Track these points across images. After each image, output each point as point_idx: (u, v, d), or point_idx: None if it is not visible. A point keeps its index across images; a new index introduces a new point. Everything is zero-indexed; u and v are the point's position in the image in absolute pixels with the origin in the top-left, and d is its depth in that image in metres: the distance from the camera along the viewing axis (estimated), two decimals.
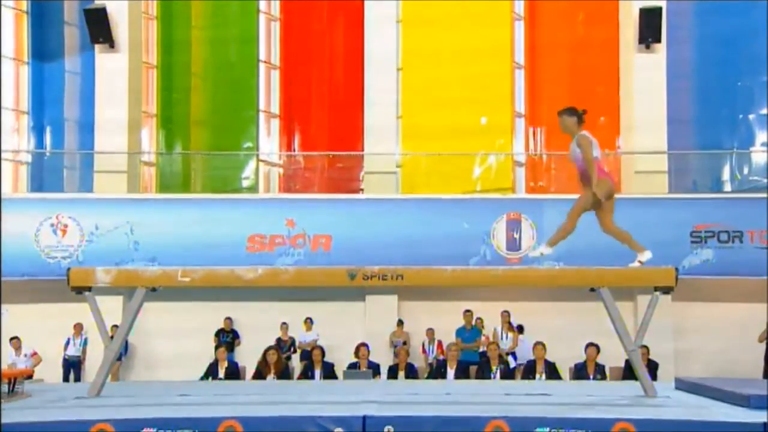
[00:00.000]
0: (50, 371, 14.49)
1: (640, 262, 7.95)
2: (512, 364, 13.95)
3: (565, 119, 7.90)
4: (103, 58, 16.69)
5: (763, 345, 14.22)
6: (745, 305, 14.95)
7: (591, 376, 12.28)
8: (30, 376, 10.79)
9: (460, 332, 14.83)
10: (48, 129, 17.36)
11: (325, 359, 13.62)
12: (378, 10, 16.75)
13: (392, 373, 13.72)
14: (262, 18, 17.59)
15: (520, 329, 15.02)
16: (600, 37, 16.85)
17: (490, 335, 14.73)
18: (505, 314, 14.84)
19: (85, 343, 14.99)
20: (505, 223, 15.49)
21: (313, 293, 14.92)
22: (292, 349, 15.12)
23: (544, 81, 17.03)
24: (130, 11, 16.75)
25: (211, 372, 13.09)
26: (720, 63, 16.54)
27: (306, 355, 14.47)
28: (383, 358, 14.67)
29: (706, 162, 16.74)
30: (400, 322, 15.40)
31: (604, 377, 12.47)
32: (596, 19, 16.95)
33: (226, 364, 13.18)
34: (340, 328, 15.44)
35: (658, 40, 16.18)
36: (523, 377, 12.77)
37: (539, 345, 12.63)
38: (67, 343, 15.11)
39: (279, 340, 15.01)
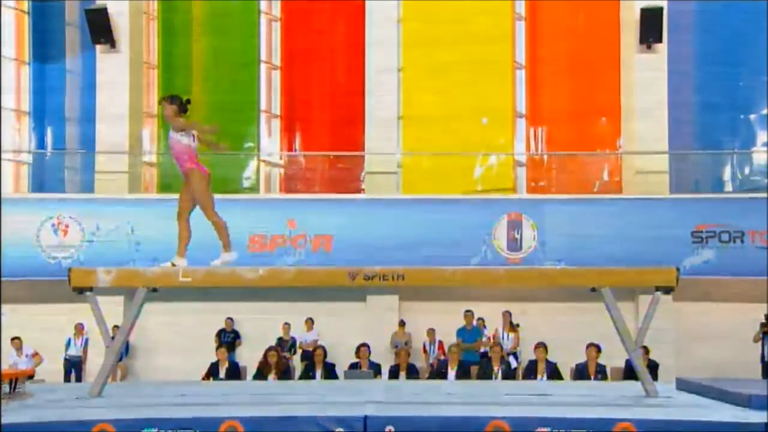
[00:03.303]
0: (51, 371, 14.49)
1: (224, 261, 7.94)
2: (513, 364, 13.95)
3: (165, 107, 7.84)
4: (103, 58, 16.68)
5: (759, 345, 14.27)
6: (746, 305, 14.94)
7: (592, 377, 12.29)
8: (31, 377, 10.79)
9: (461, 332, 14.83)
10: (49, 129, 17.37)
11: (326, 359, 13.63)
12: (379, 10, 16.73)
13: (393, 373, 13.73)
14: (263, 18, 17.58)
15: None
16: (601, 37, 16.84)
17: (491, 336, 14.72)
18: (507, 314, 14.84)
19: (86, 343, 14.98)
20: (506, 223, 15.48)
21: (314, 293, 14.91)
22: (292, 350, 15.12)
23: (545, 81, 17.02)
24: (130, 11, 16.75)
25: (212, 372, 13.12)
26: (721, 63, 16.53)
27: (307, 356, 14.47)
28: (384, 358, 14.68)
29: (707, 162, 16.75)
30: (402, 323, 15.40)
31: (605, 377, 12.47)
32: (597, 19, 16.93)
33: (227, 364, 13.20)
34: (341, 328, 15.45)
35: (659, 40, 16.17)
36: (524, 377, 12.78)
37: (540, 346, 12.64)
38: (68, 343, 15.10)
39: (280, 339, 15.02)
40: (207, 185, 8.06)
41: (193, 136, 8.03)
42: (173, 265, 7.83)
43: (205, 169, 8.19)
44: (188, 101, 8.02)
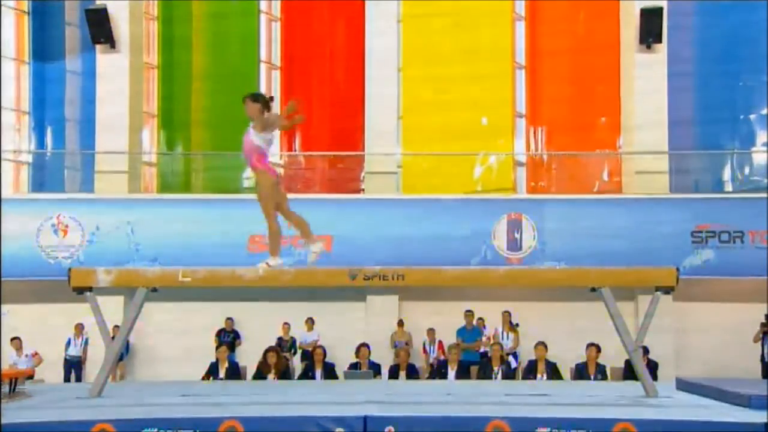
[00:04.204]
0: (51, 371, 14.50)
1: (315, 253, 7.95)
2: (513, 364, 13.96)
3: (248, 105, 7.81)
4: (103, 58, 16.68)
5: (759, 345, 14.28)
6: (745, 305, 14.95)
7: (592, 377, 12.29)
8: (31, 377, 10.82)
9: (461, 332, 14.84)
10: (49, 129, 17.35)
11: (326, 359, 13.63)
12: (379, 10, 16.73)
13: (393, 373, 13.74)
14: (262, 18, 17.58)
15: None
16: (601, 37, 16.83)
17: (491, 336, 14.72)
18: (506, 314, 14.84)
19: (86, 343, 15.00)
20: (505, 224, 15.48)
21: (314, 293, 14.92)
22: (292, 350, 15.12)
23: (545, 81, 17.01)
24: (130, 11, 16.74)
25: (212, 372, 13.11)
26: (721, 63, 16.51)
27: (307, 356, 14.47)
28: (384, 358, 14.68)
29: (707, 162, 16.74)
30: (401, 323, 15.39)
31: (604, 377, 12.47)
32: (597, 19, 16.93)
33: (226, 364, 13.19)
34: (341, 328, 15.44)
35: (659, 40, 16.16)
36: (524, 377, 12.78)
37: (540, 345, 12.65)
38: (68, 343, 15.10)
39: (280, 339, 15.02)
40: (272, 188, 7.92)
41: (270, 139, 7.87)
42: (268, 265, 7.77)
43: (275, 171, 8.05)
44: (271, 98, 7.99)
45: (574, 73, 16.84)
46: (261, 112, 7.77)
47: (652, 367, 13.09)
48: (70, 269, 7.74)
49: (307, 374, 13.41)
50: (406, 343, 15.03)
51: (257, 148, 7.80)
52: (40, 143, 17.38)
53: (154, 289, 7.80)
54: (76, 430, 5.94)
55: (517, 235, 15.43)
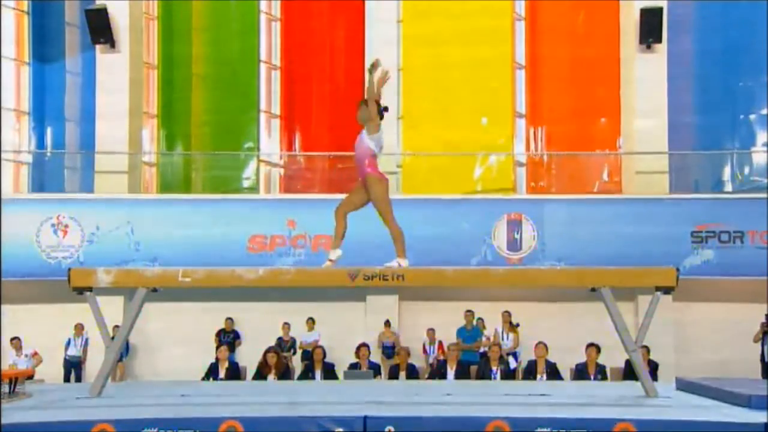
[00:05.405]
0: (51, 371, 14.49)
1: (399, 264, 7.90)
2: (513, 364, 13.95)
3: (364, 109, 7.92)
4: (103, 58, 16.69)
5: (759, 345, 14.28)
6: (745, 305, 14.95)
7: (592, 377, 12.29)
8: (31, 377, 10.80)
9: (460, 332, 14.83)
10: (49, 129, 17.37)
11: (326, 359, 13.63)
12: (379, 10, 16.75)
13: (393, 373, 13.73)
14: (262, 18, 17.59)
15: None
16: (601, 38, 16.85)
17: (491, 336, 14.71)
18: (506, 314, 14.83)
19: (86, 343, 14.99)
20: (505, 224, 15.48)
21: (314, 294, 14.92)
22: (292, 350, 15.12)
23: (545, 81, 17.03)
24: (130, 11, 16.76)
25: (212, 372, 13.10)
26: (721, 63, 16.54)
27: (307, 356, 14.47)
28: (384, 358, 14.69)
29: (707, 162, 16.74)
30: (388, 323, 15.33)
31: (604, 377, 12.47)
32: (597, 19, 16.95)
33: (226, 364, 13.19)
34: (341, 328, 15.44)
35: (659, 40, 16.18)
36: (524, 377, 12.78)
37: (540, 345, 12.64)
38: (68, 343, 15.10)
39: (280, 339, 15.02)
40: (386, 191, 7.95)
41: (381, 143, 7.94)
42: (399, 265, 7.79)
43: (384, 175, 8.07)
44: (386, 108, 8.05)
45: (574, 74, 16.86)
46: (377, 114, 7.74)
47: (652, 368, 13.09)
48: (70, 269, 7.73)
49: (307, 374, 13.41)
50: (394, 344, 15.01)
51: (370, 152, 7.83)
52: (40, 143, 17.39)
53: (154, 289, 7.79)
54: (76, 430, 5.93)
55: (517, 235, 15.42)
